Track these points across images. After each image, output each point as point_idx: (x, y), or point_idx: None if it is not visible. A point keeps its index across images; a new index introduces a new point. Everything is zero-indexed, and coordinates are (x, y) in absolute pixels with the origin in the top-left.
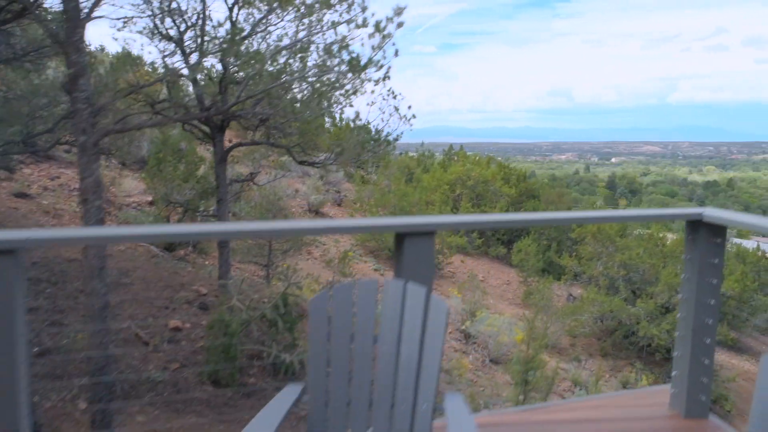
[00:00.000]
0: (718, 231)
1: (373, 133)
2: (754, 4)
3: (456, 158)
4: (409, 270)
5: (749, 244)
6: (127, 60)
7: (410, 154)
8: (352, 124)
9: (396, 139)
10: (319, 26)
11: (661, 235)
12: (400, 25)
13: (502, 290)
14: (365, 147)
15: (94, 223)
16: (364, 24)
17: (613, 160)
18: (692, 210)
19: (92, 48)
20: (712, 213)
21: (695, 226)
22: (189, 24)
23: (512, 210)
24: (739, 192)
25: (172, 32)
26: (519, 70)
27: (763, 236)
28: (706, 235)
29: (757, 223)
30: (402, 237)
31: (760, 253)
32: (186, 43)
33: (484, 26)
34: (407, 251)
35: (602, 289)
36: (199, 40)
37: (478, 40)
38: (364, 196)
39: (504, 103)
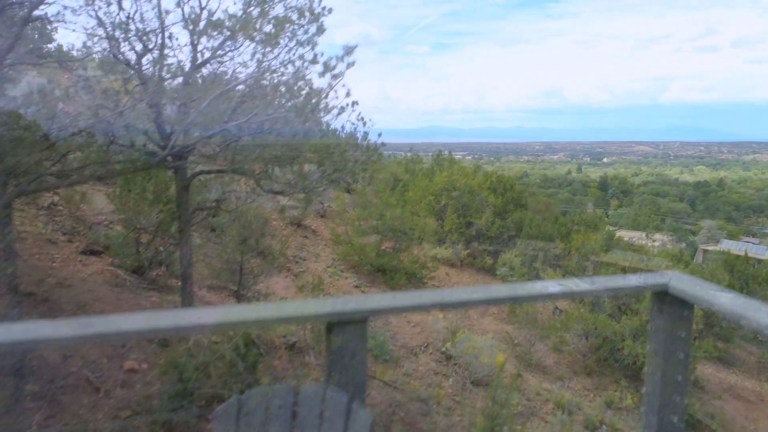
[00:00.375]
0: (685, 303)
1: (360, 139)
2: (742, 5)
3: (443, 164)
4: (339, 364)
5: (738, 246)
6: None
7: (400, 154)
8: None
9: (365, 170)
10: (275, 60)
11: (648, 247)
12: (351, 64)
13: None
14: (342, 169)
15: (6, 293)
16: (314, 61)
17: (605, 160)
18: (657, 280)
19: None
20: (678, 285)
21: (661, 295)
22: (148, 47)
23: (498, 219)
24: (729, 192)
25: (130, 55)
26: (511, 70)
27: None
28: (672, 306)
29: (725, 304)
30: (331, 326)
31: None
32: (144, 68)
33: (476, 26)
34: (336, 342)
35: (587, 305)
36: (158, 65)
37: (470, 40)
38: (347, 207)
39: (496, 102)
